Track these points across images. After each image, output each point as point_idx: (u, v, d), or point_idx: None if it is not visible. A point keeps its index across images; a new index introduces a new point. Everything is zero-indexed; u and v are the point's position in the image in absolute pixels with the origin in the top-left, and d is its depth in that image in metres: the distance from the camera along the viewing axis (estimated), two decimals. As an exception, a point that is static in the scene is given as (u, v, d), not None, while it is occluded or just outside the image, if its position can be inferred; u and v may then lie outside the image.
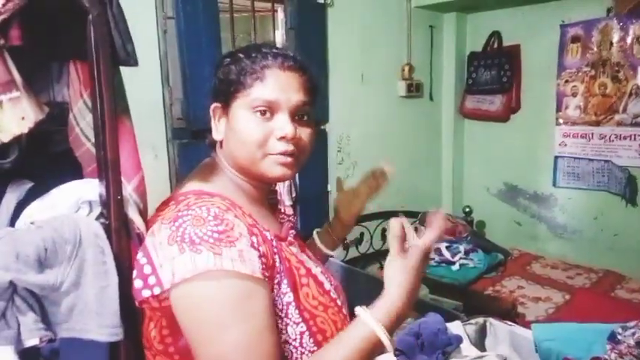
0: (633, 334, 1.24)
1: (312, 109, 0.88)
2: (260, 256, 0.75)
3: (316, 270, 0.91)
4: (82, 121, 1.01)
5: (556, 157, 2.92)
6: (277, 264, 0.80)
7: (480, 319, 1.50)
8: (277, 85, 0.83)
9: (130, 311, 0.89)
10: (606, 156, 2.74)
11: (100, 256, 0.83)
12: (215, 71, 0.90)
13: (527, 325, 1.69)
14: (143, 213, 1.01)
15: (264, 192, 0.94)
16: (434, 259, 2.60)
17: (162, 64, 2.11)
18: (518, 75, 3.03)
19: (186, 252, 0.70)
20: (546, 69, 2.89)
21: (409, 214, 3.01)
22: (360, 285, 2.02)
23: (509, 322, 1.68)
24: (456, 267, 2.55)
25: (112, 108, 0.88)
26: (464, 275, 2.50)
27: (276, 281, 0.79)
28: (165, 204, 0.84)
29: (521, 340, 1.43)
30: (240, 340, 0.70)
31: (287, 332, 0.79)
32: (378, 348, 0.76)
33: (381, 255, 2.88)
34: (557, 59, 2.86)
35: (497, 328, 1.48)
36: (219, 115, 0.88)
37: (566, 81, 2.85)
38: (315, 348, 0.80)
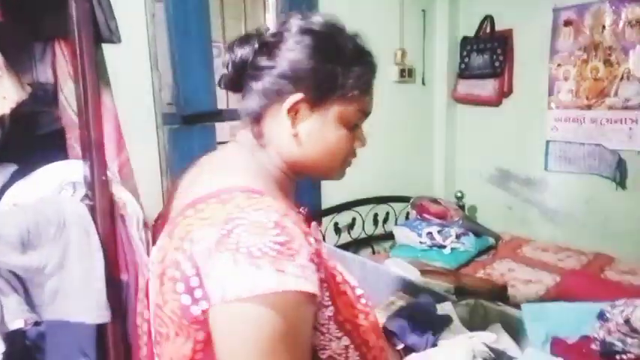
0: (621, 311, 1.25)
1: None
2: (315, 269, 0.64)
3: (344, 271, 0.79)
4: (74, 103, 1.00)
5: (548, 142, 2.93)
6: (321, 272, 0.68)
7: (471, 301, 1.51)
8: (372, 99, 0.80)
9: (116, 294, 0.89)
10: (597, 140, 2.74)
11: (85, 237, 0.82)
12: (312, 54, 0.74)
13: (516, 306, 1.70)
14: (132, 194, 1.01)
15: (295, 185, 0.85)
16: (425, 242, 2.61)
17: (150, 48, 2.08)
18: (511, 59, 3.02)
19: (242, 265, 0.58)
20: (539, 53, 2.88)
21: (401, 199, 3.03)
22: (353, 271, 2.02)
23: (500, 304, 1.69)
24: (447, 250, 2.56)
25: (95, 86, 0.86)
26: (455, 259, 2.51)
27: (322, 293, 0.69)
28: (195, 203, 0.68)
29: (512, 320, 1.44)
30: None
31: (331, 347, 0.71)
32: None
33: (372, 240, 2.88)
34: (549, 43, 2.85)
35: (488, 309, 1.49)
36: (303, 111, 0.75)
37: (559, 65, 2.84)
38: None
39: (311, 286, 0.61)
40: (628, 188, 2.64)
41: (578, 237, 2.79)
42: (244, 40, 0.77)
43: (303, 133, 0.75)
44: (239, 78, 0.78)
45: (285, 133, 0.75)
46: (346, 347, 0.72)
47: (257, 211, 0.63)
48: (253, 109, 0.77)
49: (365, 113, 0.79)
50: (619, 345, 1.21)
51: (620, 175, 2.64)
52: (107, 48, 1.10)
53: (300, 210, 0.87)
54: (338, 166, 0.80)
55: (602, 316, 1.30)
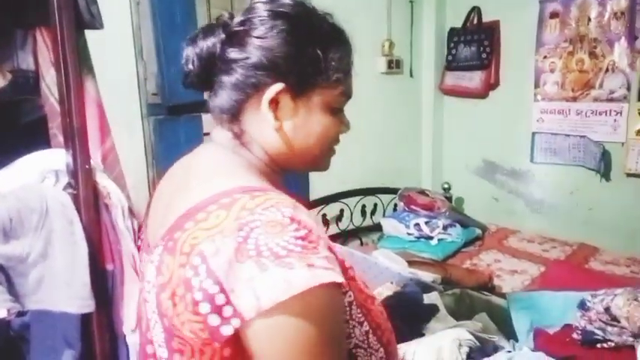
0: (602, 300, 1.27)
1: None
2: (335, 259, 0.62)
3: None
4: (56, 91, 0.98)
5: (534, 133, 2.95)
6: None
7: (457, 291, 1.52)
8: (352, 81, 0.75)
9: (101, 283, 0.88)
10: (582, 132, 2.77)
11: (68, 226, 0.81)
12: (288, 39, 0.69)
13: (502, 295, 1.72)
14: (117, 183, 0.99)
15: (282, 178, 0.81)
16: (412, 234, 2.63)
17: (135, 37, 2.05)
18: (498, 51, 3.03)
19: (270, 269, 0.54)
20: (525, 45, 2.90)
21: (389, 191, 3.04)
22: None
23: (486, 293, 1.71)
24: (434, 242, 2.57)
25: (77, 73, 0.85)
26: (442, 249, 2.52)
27: None
28: (192, 213, 0.62)
29: (497, 309, 1.46)
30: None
31: (355, 335, 0.69)
32: None
33: (360, 231, 2.89)
34: (535, 35, 2.86)
35: (474, 298, 1.51)
36: (285, 101, 0.70)
37: (545, 57, 2.86)
38: (379, 346, 0.72)
39: (339, 275, 0.58)
40: (612, 180, 2.68)
41: (563, 228, 2.82)
42: (207, 31, 0.71)
43: (288, 124, 0.71)
44: (207, 73, 0.71)
45: (267, 127, 0.71)
46: (366, 333, 0.70)
47: (268, 209, 0.58)
48: (229, 105, 0.72)
49: (348, 96, 0.75)
50: (599, 333, 1.23)
51: (604, 166, 2.67)
52: (91, 38, 1.08)
53: None
54: (325, 155, 0.77)
55: (582, 306, 1.32)
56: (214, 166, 0.71)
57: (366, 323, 0.69)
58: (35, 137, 0.97)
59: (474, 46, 3.05)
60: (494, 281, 2.12)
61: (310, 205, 2.60)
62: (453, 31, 3.17)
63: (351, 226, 2.84)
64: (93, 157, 0.88)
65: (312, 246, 0.57)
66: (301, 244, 0.56)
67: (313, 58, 0.70)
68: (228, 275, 0.55)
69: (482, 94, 3.10)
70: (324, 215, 2.68)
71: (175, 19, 2.10)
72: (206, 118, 2.32)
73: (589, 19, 2.67)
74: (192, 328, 0.58)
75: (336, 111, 0.74)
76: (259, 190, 0.63)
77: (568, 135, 2.82)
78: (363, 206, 2.89)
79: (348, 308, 0.66)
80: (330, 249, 0.61)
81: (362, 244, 2.87)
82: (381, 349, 0.71)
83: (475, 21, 3.07)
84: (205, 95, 0.78)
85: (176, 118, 2.18)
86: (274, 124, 0.70)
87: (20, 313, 0.83)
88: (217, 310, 0.55)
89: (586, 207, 2.77)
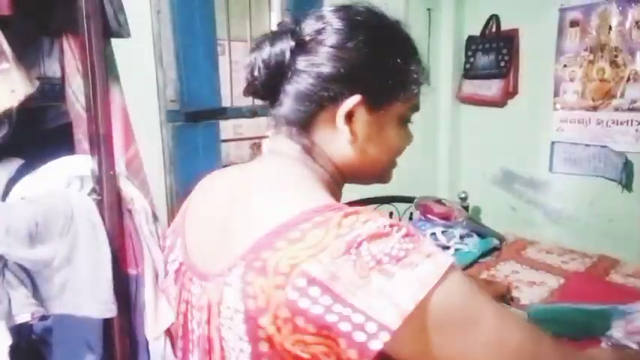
0: None
1: None
2: None
3: None
4: (82, 97, 0.99)
5: (553, 143, 2.91)
6: None
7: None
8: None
9: (124, 288, 0.89)
10: (603, 141, 2.73)
11: (93, 231, 0.82)
12: (367, 49, 0.66)
13: (521, 307, 1.69)
14: (141, 189, 1.01)
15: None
16: (430, 243, 2.60)
17: (155, 44, 2.08)
18: (516, 59, 3.01)
19: (397, 273, 0.54)
20: (544, 53, 2.87)
21: (405, 200, 3.02)
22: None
23: (505, 305, 1.68)
24: (451, 251, 2.55)
25: (104, 81, 0.86)
26: (459, 260, 2.49)
27: None
28: (281, 231, 0.59)
29: (517, 321, 1.43)
30: (522, 327, 0.61)
31: None
32: None
33: (376, 240, 2.87)
34: (555, 44, 2.84)
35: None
36: (361, 114, 0.68)
37: (565, 66, 2.83)
38: None
39: (448, 255, 0.59)
40: (634, 190, 2.63)
41: (582, 239, 2.78)
42: (275, 37, 0.69)
43: (363, 137, 0.69)
44: (273, 82, 0.69)
45: (341, 140, 0.68)
46: None
47: (365, 223, 0.57)
48: (298, 116, 0.69)
49: (418, 108, 0.75)
50: (634, 347, 1.20)
51: (625, 177, 2.62)
52: (113, 44, 1.10)
53: None
54: (392, 166, 0.77)
55: (621, 316, 1.28)
56: (290, 180, 0.68)
57: None
58: (60, 143, 0.98)
59: (493, 55, 3.04)
60: (513, 293, 2.09)
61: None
62: (471, 40, 3.16)
63: (367, 235, 2.82)
64: (117, 163, 0.89)
65: (419, 240, 0.57)
66: (411, 241, 0.56)
67: (396, 70, 0.68)
68: (357, 295, 0.53)
69: (500, 102, 3.08)
70: (339, 223, 2.67)
71: (195, 27, 2.13)
72: (223, 125, 2.34)
73: (610, 28, 2.64)
74: (310, 350, 0.56)
75: (406, 123, 0.74)
76: (339, 208, 0.61)
77: (588, 145, 2.78)
78: (379, 214, 2.88)
79: None
80: None
81: (377, 252, 2.86)
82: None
83: (494, 29, 3.06)
84: (241, 99, 0.77)
85: (194, 125, 2.20)
86: (349, 138, 0.68)
87: (43, 317, 0.83)
88: (360, 328, 0.53)
89: (606, 218, 2.72)
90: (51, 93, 1.00)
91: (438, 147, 3.30)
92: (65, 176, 0.86)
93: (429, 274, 0.54)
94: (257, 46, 0.70)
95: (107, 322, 0.86)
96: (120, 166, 0.91)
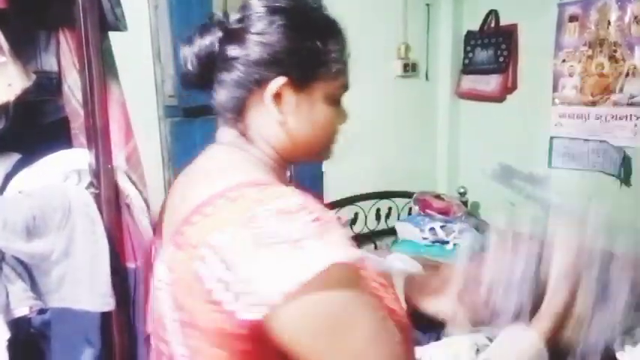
0: None
1: None
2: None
3: None
4: (78, 92, 0.99)
5: (552, 138, 2.91)
6: None
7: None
8: (348, 73, 0.78)
9: (122, 282, 0.89)
10: (602, 136, 2.72)
11: (90, 225, 0.82)
12: (288, 33, 0.70)
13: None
14: (139, 185, 1.00)
15: (286, 171, 0.83)
16: (427, 238, 2.61)
17: (153, 40, 2.07)
18: (515, 55, 3.00)
19: (288, 254, 0.55)
20: (543, 49, 2.86)
21: (404, 195, 3.02)
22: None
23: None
24: (449, 246, 2.55)
25: (101, 74, 0.86)
26: (458, 254, 2.50)
27: None
28: (200, 207, 0.63)
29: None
30: (388, 345, 0.61)
31: None
32: None
33: (375, 235, 2.88)
34: (554, 39, 2.83)
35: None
36: (288, 95, 0.71)
37: (563, 61, 2.82)
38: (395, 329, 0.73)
39: (353, 251, 0.59)
40: (632, 185, 2.63)
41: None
42: (203, 30, 0.72)
43: (291, 117, 0.72)
44: (206, 72, 0.72)
45: (272, 121, 0.72)
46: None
47: (277, 199, 0.59)
48: (232, 103, 0.72)
49: (346, 88, 0.77)
50: None
51: (624, 172, 2.62)
52: (110, 38, 1.10)
53: None
54: (328, 145, 0.79)
55: None
56: (221, 163, 0.72)
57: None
58: (57, 138, 0.98)
59: (492, 50, 3.03)
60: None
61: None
62: (470, 35, 3.15)
63: (366, 230, 2.83)
64: (116, 157, 0.89)
65: (326, 227, 0.57)
66: (315, 226, 0.57)
67: (314, 51, 0.70)
68: (244, 265, 0.55)
69: (499, 98, 3.07)
70: (338, 219, 2.67)
71: (193, 21, 2.11)
72: (222, 120, 2.34)
73: (609, 23, 2.63)
74: (210, 318, 0.58)
75: (335, 102, 0.76)
76: (266, 183, 0.65)
77: (587, 140, 2.77)
78: (378, 210, 2.88)
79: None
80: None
81: (376, 247, 2.86)
82: (398, 334, 0.69)
83: (493, 24, 3.05)
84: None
85: (192, 120, 2.20)
86: (279, 118, 0.71)
87: (41, 311, 0.83)
88: (237, 298, 0.55)
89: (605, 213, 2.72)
90: (48, 87, 1.00)
91: (437, 142, 3.29)
92: (62, 170, 0.86)
93: (318, 260, 0.54)
94: (188, 40, 0.73)
95: (106, 316, 0.86)
96: (119, 160, 0.91)
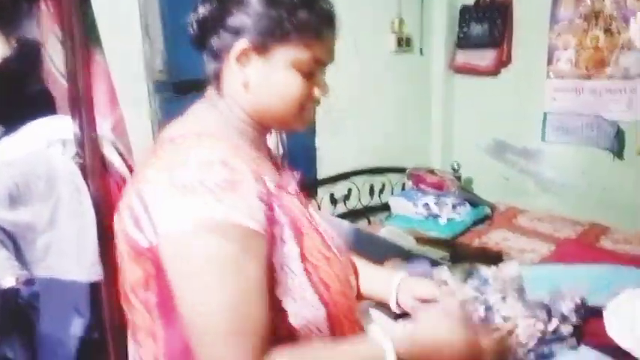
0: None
1: None
2: (264, 209, 0.70)
3: (320, 225, 0.86)
4: (60, 61, 0.97)
5: (546, 112, 2.90)
6: (279, 214, 0.75)
7: (466, 265, 1.51)
8: (328, 48, 0.81)
9: (110, 251, 0.87)
10: (596, 110, 2.71)
11: (76, 194, 0.81)
12: (256, 1, 0.76)
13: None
14: (125, 154, 0.99)
15: (264, 138, 0.90)
16: (421, 213, 2.61)
17: (141, 14, 2.03)
18: (510, 28, 2.97)
19: (185, 198, 0.64)
20: (538, 22, 2.83)
21: (397, 171, 3.02)
22: (347, 237, 2.02)
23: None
24: (443, 221, 2.56)
25: (84, 42, 0.84)
26: (451, 228, 2.51)
27: (277, 232, 0.74)
28: (155, 150, 0.75)
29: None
30: (228, 301, 0.65)
31: (287, 284, 0.74)
32: None
33: (368, 211, 2.88)
34: (549, 12, 2.80)
35: (483, 271, 1.49)
36: (249, 57, 0.77)
37: (558, 34, 2.80)
38: (319, 302, 0.77)
39: (251, 222, 0.66)
40: (625, 159, 2.63)
41: (574, 208, 2.79)
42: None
43: (253, 80, 0.77)
44: (204, 36, 0.79)
45: (237, 82, 0.77)
46: (304, 286, 0.75)
47: (204, 150, 0.68)
48: (213, 65, 0.80)
49: (319, 62, 0.80)
50: None
51: (618, 145, 2.63)
52: (98, 15, 1.07)
53: (293, 174, 0.91)
54: (294, 112, 0.81)
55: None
56: (190, 115, 0.82)
57: (304, 277, 0.75)
58: (40, 106, 0.96)
59: (486, 24, 2.99)
60: (503, 259, 2.11)
61: (318, 184, 2.59)
62: (465, 9, 3.11)
63: (359, 206, 2.83)
64: (102, 127, 0.87)
65: (233, 188, 0.65)
66: (220, 184, 0.64)
67: (275, 19, 0.75)
68: (151, 198, 0.66)
69: (493, 71, 3.05)
70: (332, 194, 2.67)
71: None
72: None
73: (605, -5, 2.60)
74: (125, 240, 0.71)
75: (306, 73, 0.78)
76: (211, 134, 0.74)
77: (581, 114, 2.77)
78: (372, 185, 2.88)
79: (286, 258, 0.73)
80: (265, 200, 0.69)
81: (370, 223, 2.87)
82: (323, 308, 0.76)
83: (488, -3, 3.01)
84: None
85: (182, 96, 2.17)
86: (241, 79, 0.77)
87: (29, 282, 0.83)
88: (139, 226, 0.68)
89: (598, 186, 2.73)
90: (30, 56, 0.97)
91: (431, 117, 3.27)
92: (46, 138, 0.85)
93: (203, 212, 0.63)
94: (195, 7, 0.80)
95: (95, 287, 0.85)
96: (104, 129, 0.89)
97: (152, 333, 0.73)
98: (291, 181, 0.87)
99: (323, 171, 2.63)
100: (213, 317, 0.64)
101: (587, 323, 1.21)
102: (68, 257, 0.79)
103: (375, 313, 1.04)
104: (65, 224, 0.78)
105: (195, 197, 0.63)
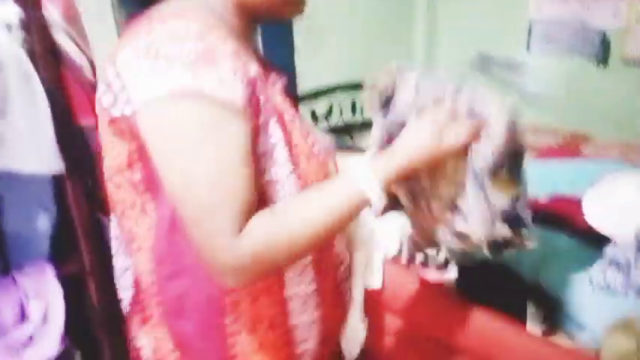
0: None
1: None
2: (243, 85, 0.67)
3: (305, 122, 0.85)
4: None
5: (531, 21, 2.81)
6: (262, 101, 0.72)
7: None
8: None
9: (75, 142, 0.83)
10: (582, 18, 2.64)
11: (27, 83, 0.75)
12: None
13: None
14: (82, 45, 0.92)
15: (252, 33, 0.85)
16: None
17: None
18: None
19: (160, 69, 0.63)
20: None
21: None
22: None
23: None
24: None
25: None
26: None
27: (261, 120, 0.72)
28: (136, 23, 0.71)
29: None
30: (208, 170, 0.64)
31: (271, 173, 0.74)
32: (364, 206, 0.72)
33: (351, 128, 2.84)
34: None
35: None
36: None
37: (545, -63, 2.65)
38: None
39: (228, 95, 0.64)
40: (610, 66, 2.59)
41: (558, 118, 2.78)
42: None
43: None
44: None
45: None
46: (288, 175, 0.74)
47: (179, 21, 0.66)
48: None
49: None
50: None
51: (603, 53, 2.58)
52: None
53: (281, 77, 0.88)
54: None
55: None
56: (173, 2, 0.75)
57: (290, 165, 0.75)
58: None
59: None
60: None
61: (298, 99, 2.52)
62: None
63: (341, 123, 2.78)
64: (51, 12, 0.80)
65: (208, 59, 0.64)
66: (195, 56, 0.63)
67: None
68: (126, 69, 0.65)
69: (478, -21, 2.91)
70: (312, 112, 2.61)
71: None
72: None
73: None
74: (104, 119, 0.70)
75: None
76: (188, 16, 0.69)
77: (567, 22, 2.69)
78: (353, 102, 2.82)
79: (271, 146, 0.72)
80: (244, 80, 0.67)
81: (352, 139, 2.84)
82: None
83: None
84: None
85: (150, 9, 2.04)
86: None
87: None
88: (112, 94, 0.67)
89: (582, 96, 2.71)
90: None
91: (414, 32, 3.16)
92: (-13, 22, 0.78)
93: (178, 83, 0.62)
94: None
95: (59, 182, 0.82)
96: (53, 15, 0.81)
97: (142, 209, 0.73)
98: (278, 81, 0.84)
99: (304, 87, 2.56)
100: (194, 187, 0.64)
101: (564, 210, 1.23)
102: (24, 149, 0.75)
103: None
104: (17, 114, 0.73)
105: (171, 68, 0.62)
